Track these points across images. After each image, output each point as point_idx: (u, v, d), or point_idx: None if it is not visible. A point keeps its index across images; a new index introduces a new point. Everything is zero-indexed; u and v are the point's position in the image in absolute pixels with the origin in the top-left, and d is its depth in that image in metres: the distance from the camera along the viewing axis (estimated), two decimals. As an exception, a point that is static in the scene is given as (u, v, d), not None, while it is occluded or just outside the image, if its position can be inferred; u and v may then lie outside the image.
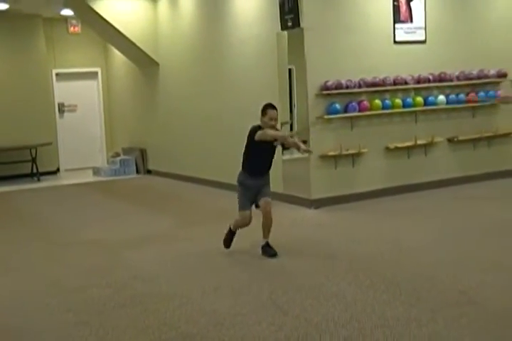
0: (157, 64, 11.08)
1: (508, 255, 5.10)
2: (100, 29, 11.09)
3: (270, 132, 5.20)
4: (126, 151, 12.56)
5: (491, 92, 8.58)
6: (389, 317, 3.83)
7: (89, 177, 11.95)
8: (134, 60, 11.63)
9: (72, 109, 13.25)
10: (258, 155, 5.40)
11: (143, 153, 12.06)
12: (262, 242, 5.51)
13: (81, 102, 13.30)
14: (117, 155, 12.68)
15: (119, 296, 4.61)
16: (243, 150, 5.49)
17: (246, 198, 5.43)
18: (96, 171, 12.31)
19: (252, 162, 5.45)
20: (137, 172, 12.10)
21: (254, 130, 5.28)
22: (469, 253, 5.23)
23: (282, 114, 8.07)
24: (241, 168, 5.51)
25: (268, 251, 5.46)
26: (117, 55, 12.36)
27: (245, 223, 5.51)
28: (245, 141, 5.42)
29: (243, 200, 5.44)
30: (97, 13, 10.25)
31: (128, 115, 12.77)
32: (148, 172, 12.03)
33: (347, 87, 7.54)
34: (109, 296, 4.62)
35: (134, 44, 10.74)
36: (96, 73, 13.41)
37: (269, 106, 5.32)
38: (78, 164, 12.96)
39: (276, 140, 5.23)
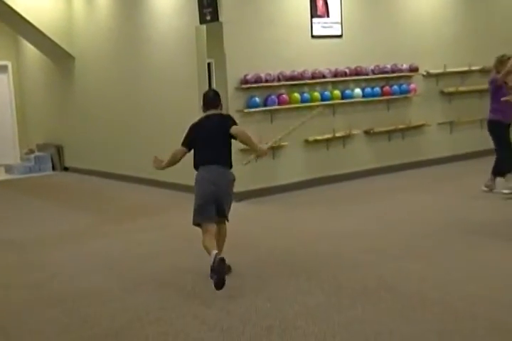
0: (72, 57, 10.75)
1: (423, 242, 5.30)
2: (8, 20, 10.52)
3: (252, 139, 4.71)
4: (41, 148, 12.13)
5: (404, 86, 8.88)
6: (310, 305, 3.91)
7: (1, 175, 11.48)
8: (48, 53, 11.21)
9: (-20, 104, 12.66)
10: None
11: (59, 149, 11.68)
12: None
13: (-9, 97, 12.73)
14: (31, 151, 12.23)
15: (36, 296, 4.47)
16: (226, 146, 4.69)
17: None
18: (8, 169, 11.83)
19: None
20: (53, 169, 11.72)
21: (230, 118, 4.74)
22: (386, 241, 5.40)
23: (202, 107, 8.07)
24: (230, 166, 4.74)
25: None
26: (29, 48, 11.88)
27: None
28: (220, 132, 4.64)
29: None
30: (3, 3, 9.80)
31: (43, 110, 12.33)
32: (65, 169, 11.68)
33: (266, 81, 7.61)
34: (26, 297, 4.47)
35: (46, 36, 10.33)
36: (6, 67, 12.82)
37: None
38: (-11, 161, 12.40)
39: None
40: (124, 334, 3.66)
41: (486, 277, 4.29)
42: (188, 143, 4.70)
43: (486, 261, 4.67)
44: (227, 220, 4.70)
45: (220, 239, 4.64)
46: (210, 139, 4.63)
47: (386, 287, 4.16)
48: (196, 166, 4.67)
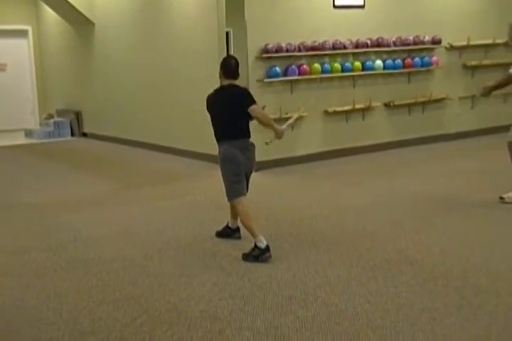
0: (92, 23, 10.70)
1: (445, 215, 5.29)
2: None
3: (272, 122, 4.71)
4: (61, 113, 12.18)
5: (426, 58, 8.75)
6: (331, 276, 3.94)
7: (21, 140, 11.57)
8: (68, 19, 11.16)
9: (2, 68, 12.67)
10: None
11: (78, 115, 11.73)
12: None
13: (11, 61, 12.72)
14: (51, 117, 12.29)
15: (59, 259, 4.54)
16: (244, 118, 4.54)
17: None
18: (28, 133, 11.91)
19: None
20: (72, 134, 11.79)
21: (248, 95, 4.54)
22: (407, 213, 5.40)
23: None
24: (249, 135, 4.67)
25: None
26: (50, 13, 11.84)
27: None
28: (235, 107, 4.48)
29: None
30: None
31: (62, 76, 12.33)
32: (84, 135, 11.74)
33: (287, 51, 7.55)
34: (50, 259, 4.54)
35: (66, 1, 10.27)
36: (26, 31, 12.81)
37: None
38: (9, 125, 12.44)
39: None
40: (146, 299, 3.71)
41: (509, 254, 4.28)
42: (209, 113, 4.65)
43: (510, 237, 4.65)
44: None
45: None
46: (225, 113, 4.49)
47: (407, 260, 4.18)
48: (219, 140, 4.58)
